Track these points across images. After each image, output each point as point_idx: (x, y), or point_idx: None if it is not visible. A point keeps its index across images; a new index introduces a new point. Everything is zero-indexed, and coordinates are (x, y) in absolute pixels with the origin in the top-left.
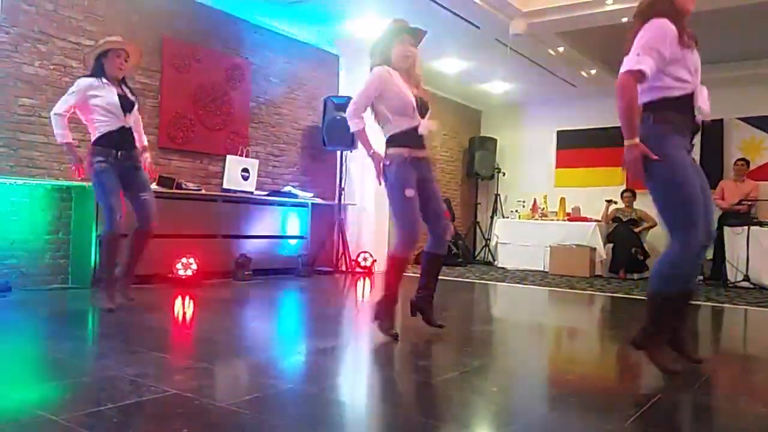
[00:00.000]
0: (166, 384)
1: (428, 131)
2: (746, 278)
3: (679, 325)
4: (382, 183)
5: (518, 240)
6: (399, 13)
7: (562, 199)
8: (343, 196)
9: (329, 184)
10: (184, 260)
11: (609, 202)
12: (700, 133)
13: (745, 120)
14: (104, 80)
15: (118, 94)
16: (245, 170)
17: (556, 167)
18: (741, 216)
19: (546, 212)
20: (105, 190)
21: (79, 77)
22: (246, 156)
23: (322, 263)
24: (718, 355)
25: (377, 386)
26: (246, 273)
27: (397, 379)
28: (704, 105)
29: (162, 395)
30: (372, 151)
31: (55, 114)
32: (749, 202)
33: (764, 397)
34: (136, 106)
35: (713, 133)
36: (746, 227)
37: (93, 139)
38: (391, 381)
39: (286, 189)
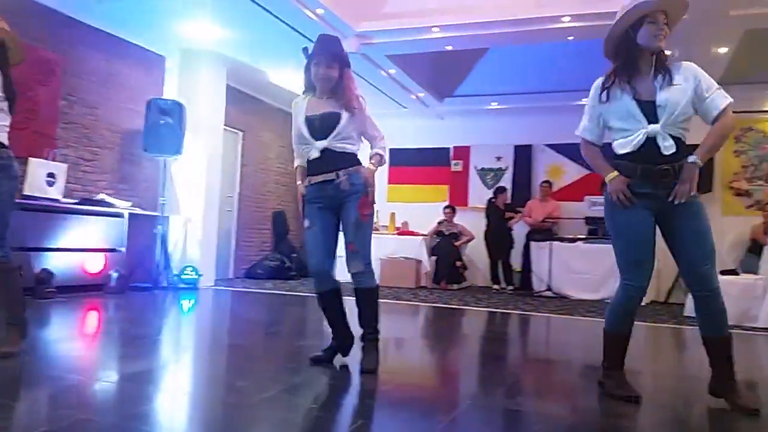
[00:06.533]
0: None
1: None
2: (549, 288)
3: None
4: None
5: None
6: (232, 20)
7: (393, 214)
8: (165, 206)
9: (150, 193)
10: None
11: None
12: (514, 156)
13: (549, 146)
14: None
15: None
16: (51, 175)
17: (389, 183)
18: (545, 232)
19: (378, 226)
20: None
21: None
22: (52, 159)
23: (141, 279)
24: (526, 360)
25: (187, 412)
26: (48, 290)
27: (210, 403)
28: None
29: None
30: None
31: None
32: (552, 220)
33: (563, 398)
34: None
35: (523, 157)
36: (549, 242)
37: None
38: (203, 405)
39: (100, 197)
